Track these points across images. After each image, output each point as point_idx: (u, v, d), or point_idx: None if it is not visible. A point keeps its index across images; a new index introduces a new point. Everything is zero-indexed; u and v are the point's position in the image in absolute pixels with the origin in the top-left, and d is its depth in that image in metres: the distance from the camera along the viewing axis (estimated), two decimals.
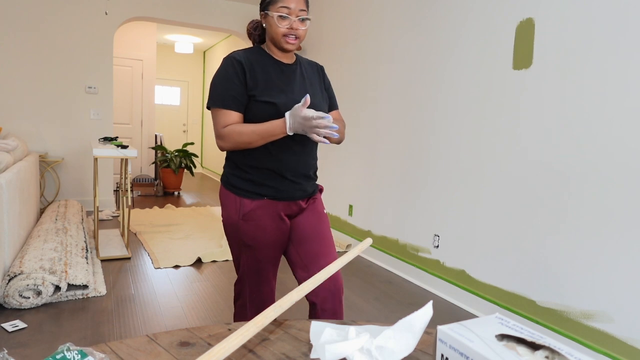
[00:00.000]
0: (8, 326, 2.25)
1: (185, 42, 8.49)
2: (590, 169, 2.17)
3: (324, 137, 1.36)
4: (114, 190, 5.96)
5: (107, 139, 4.27)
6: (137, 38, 7.06)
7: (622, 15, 2.05)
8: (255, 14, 5.90)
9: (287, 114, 1.39)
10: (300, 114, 1.34)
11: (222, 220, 1.62)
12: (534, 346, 0.61)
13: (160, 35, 8.10)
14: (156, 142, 7.11)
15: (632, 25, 2.02)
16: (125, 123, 7.08)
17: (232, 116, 1.49)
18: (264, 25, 1.55)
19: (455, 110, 2.99)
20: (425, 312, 0.70)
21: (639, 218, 1.98)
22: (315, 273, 1.57)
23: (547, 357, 0.59)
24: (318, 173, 1.73)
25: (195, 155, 6.91)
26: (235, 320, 1.74)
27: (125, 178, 3.89)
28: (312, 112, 1.33)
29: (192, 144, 7.19)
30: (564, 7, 2.31)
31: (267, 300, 1.66)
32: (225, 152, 1.59)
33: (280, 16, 1.46)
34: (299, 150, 1.55)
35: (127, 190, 3.85)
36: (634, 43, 2.01)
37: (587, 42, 2.20)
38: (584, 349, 2.16)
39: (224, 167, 1.63)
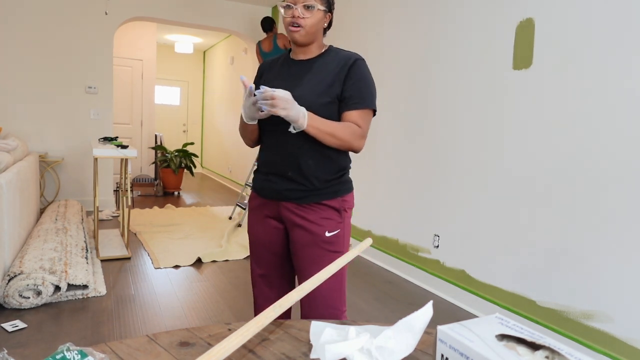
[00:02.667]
0: (8, 326, 2.25)
1: (185, 42, 8.49)
2: (590, 168, 2.17)
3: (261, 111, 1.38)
4: (114, 190, 5.95)
5: (107, 139, 4.27)
6: (137, 38, 7.06)
7: (622, 15, 2.05)
8: (255, 14, 5.90)
9: None
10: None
11: None
12: (534, 346, 0.61)
13: (160, 35, 8.10)
14: (156, 142, 7.11)
15: (632, 24, 2.02)
16: (125, 123, 7.09)
17: None
18: None
19: (455, 110, 2.99)
20: (425, 312, 0.70)
21: (638, 217, 1.98)
22: (305, 299, 1.50)
23: (547, 357, 0.59)
24: None
25: (195, 155, 6.91)
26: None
27: (125, 178, 3.89)
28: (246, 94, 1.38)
29: (192, 144, 7.19)
30: (564, 7, 2.31)
31: (256, 301, 1.68)
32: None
33: (286, 5, 1.46)
34: (275, 144, 1.50)
35: (127, 190, 3.85)
36: (634, 42, 2.01)
37: (587, 42, 2.20)
38: (584, 349, 2.16)
39: None
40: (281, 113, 1.32)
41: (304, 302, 1.54)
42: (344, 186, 1.56)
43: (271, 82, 1.53)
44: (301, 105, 1.39)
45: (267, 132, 1.51)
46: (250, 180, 5.31)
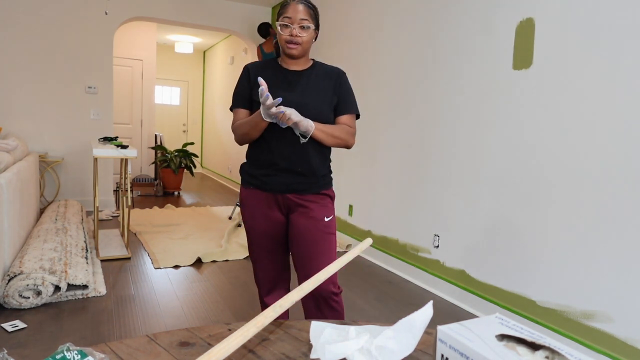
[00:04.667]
0: (8, 326, 2.25)
1: (185, 42, 8.49)
2: (590, 169, 2.17)
3: (281, 120, 1.53)
4: (114, 190, 5.95)
5: (107, 139, 4.27)
6: (137, 38, 7.06)
7: (622, 15, 2.05)
8: (255, 14, 5.91)
9: None
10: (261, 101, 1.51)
11: None
12: (534, 346, 0.61)
13: (160, 35, 8.10)
14: (156, 142, 7.11)
15: (631, 25, 2.02)
16: (125, 123, 7.08)
17: (240, 113, 1.75)
18: (277, 37, 1.74)
19: (455, 110, 2.99)
20: (426, 312, 0.70)
21: (638, 217, 1.98)
22: (303, 277, 1.76)
23: (547, 357, 0.59)
24: None
25: (195, 155, 6.91)
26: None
27: (125, 178, 3.89)
28: (263, 98, 1.48)
29: (192, 144, 7.19)
30: (564, 7, 2.31)
31: (263, 284, 1.89)
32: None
33: (283, 25, 1.65)
34: (286, 145, 1.68)
35: (127, 190, 3.85)
36: (633, 43, 2.01)
37: (587, 42, 2.20)
38: (584, 349, 2.16)
39: None
40: (295, 118, 1.53)
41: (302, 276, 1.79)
42: (332, 178, 1.87)
43: (273, 90, 1.64)
44: (311, 111, 1.64)
45: (275, 132, 1.65)
46: None
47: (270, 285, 1.90)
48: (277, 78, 1.72)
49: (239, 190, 7.53)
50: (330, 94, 1.74)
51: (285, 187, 1.71)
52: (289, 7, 1.65)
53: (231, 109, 1.80)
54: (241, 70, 1.81)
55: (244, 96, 1.74)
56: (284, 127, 1.56)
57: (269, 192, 1.73)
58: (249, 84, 1.73)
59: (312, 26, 1.66)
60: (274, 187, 1.72)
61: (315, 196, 1.75)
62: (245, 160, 1.83)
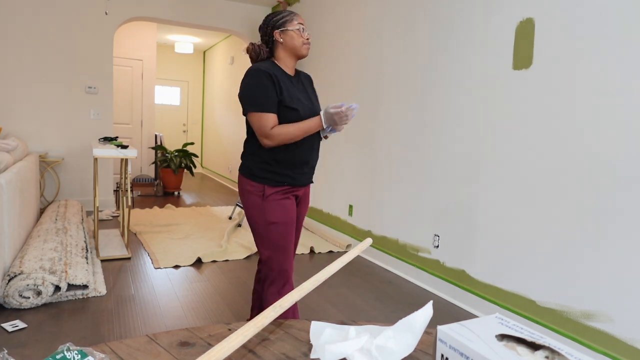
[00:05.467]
0: (8, 326, 2.25)
1: (185, 42, 8.49)
2: (590, 169, 2.17)
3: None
4: (114, 190, 5.96)
5: (107, 139, 4.27)
6: (137, 38, 7.06)
7: (621, 15, 2.05)
8: (255, 14, 5.91)
9: (322, 113, 1.82)
10: (332, 111, 1.77)
11: (245, 206, 1.94)
12: (534, 346, 0.61)
13: (160, 35, 8.10)
14: (156, 142, 7.11)
15: (631, 25, 2.02)
16: (125, 123, 7.09)
17: (273, 118, 1.81)
18: (280, 41, 1.86)
19: (455, 110, 2.99)
20: (426, 312, 0.70)
21: (638, 217, 1.98)
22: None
23: (547, 357, 0.59)
24: (316, 172, 1.99)
25: (195, 155, 6.91)
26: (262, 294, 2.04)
27: (125, 178, 3.89)
28: (343, 107, 1.77)
29: (192, 144, 7.19)
30: (564, 7, 2.31)
31: (290, 268, 1.98)
32: (245, 148, 1.96)
33: (301, 29, 1.86)
34: (310, 146, 1.91)
35: (127, 190, 3.85)
36: (633, 43, 2.01)
37: (587, 42, 2.20)
38: (584, 349, 2.16)
39: (246, 161, 1.95)
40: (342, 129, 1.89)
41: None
42: None
43: (291, 93, 1.84)
44: (318, 112, 1.89)
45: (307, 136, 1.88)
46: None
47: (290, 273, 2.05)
48: (289, 83, 1.88)
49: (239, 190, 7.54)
50: (315, 95, 2.02)
51: (308, 180, 2.00)
52: (296, 15, 1.88)
53: (245, 113, 1.85)
54: (245, 71, 1.87)
55: (274, 101, 1.82)
56: (328, 129, 1.87)
57: (297, 187, 1.95)
58: (275, 88, 1.81)
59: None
60: (302, 182, 1.96)
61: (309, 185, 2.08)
62: (264, 161, 1.88)
